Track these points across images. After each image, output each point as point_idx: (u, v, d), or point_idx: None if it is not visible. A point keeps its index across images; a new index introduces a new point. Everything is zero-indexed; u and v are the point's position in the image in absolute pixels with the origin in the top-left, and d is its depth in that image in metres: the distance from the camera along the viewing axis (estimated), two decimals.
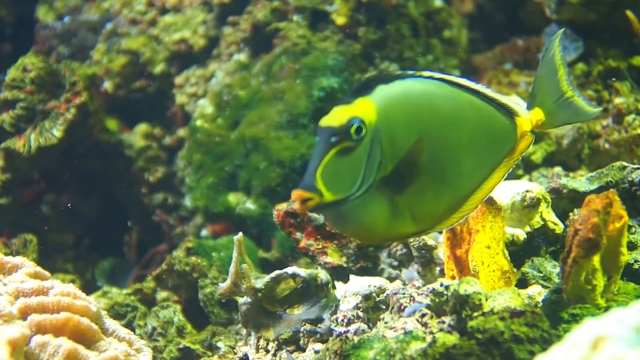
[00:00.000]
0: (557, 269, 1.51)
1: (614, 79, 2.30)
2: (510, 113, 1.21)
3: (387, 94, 1.12)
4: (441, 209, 1.17)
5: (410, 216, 1.13)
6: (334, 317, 1.50)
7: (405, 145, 1.11)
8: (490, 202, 1.41)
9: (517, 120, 1.21)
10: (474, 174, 1.19)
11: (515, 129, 1.21)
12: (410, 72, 1.16)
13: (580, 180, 1.66)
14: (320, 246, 1.73)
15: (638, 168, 1.57)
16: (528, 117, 1.22)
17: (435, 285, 1.33)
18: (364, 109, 1.09)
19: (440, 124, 1.15)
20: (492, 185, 1.21)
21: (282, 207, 1.78)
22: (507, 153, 1.21)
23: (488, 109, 1.20)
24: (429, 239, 1.58)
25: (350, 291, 1.54)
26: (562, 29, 1.29)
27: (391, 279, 1.66)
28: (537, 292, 1.44)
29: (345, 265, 1.71)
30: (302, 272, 1.54)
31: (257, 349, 1.53)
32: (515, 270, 1.44)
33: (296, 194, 1.05)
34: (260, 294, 1.52)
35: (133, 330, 1.72)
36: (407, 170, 1.11)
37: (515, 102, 1.23)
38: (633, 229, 1.47)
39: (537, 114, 1.23)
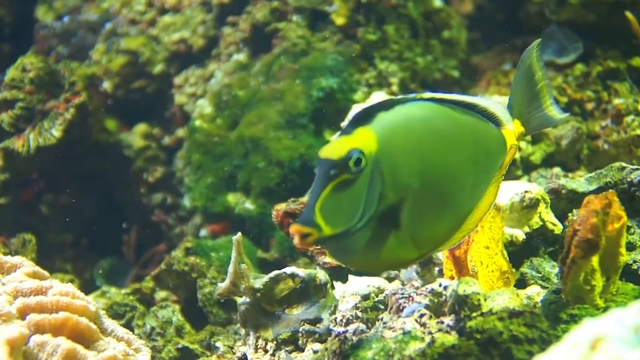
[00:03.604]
0: (556, 270, 1.51)
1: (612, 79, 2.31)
2: (498, 124, 1.20)
3: (388, 122, 1.09)
4: (442, 231, 1.15)
5: (412, 242, 1.11)
6: (333, 317, 1.50)
7: (407, 174, 1.08)
8: None
9: (505, 133, 1.21)
10: (474, 192, 1.17)
11: (505, 141, 1.21)
12: (411, 96, 1.14)
13: (579, 181, 1.66)
14: (319, 246, 1.73)
15: (637, 169, 1.57)
16: (513, 129, 1.21)
17: (434, 286, 1.33)
18: (363, 139, 1.06)
19: (442, 148, 1.13)
20: (490, 202, 1.19)
21: (281, 207, 1.78)
22: (499, 166, 1.20)
23: (483, 125, 1.19)
24: None
25: (349, 291, 1.54)
26: (538, 40, 1.26)
27: (390, 279, 1.66)
28: (535, 293, 1.44)
29: (343, 265, 1.71)
30: (301, 272, 1.54)
31: (256, 349, 1.53)
32: (514, 270, 1.44)
33: (294, 228, 1.02)
34: (259, 294, 1.52)
35: (132, 330, 1.72)
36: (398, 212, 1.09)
37: (501, 110, 1.22)
38: (632, 230, 1.47)
39: (518, 126, 1.23)
